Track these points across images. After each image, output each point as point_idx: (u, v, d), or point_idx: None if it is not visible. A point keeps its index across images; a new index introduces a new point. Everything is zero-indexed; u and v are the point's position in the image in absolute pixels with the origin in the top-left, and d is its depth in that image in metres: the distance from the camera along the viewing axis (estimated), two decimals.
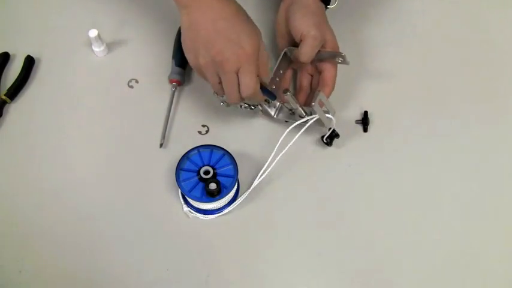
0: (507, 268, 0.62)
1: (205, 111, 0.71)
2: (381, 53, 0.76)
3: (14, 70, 0.73)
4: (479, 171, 0.68)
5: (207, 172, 0.61)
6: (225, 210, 0.64)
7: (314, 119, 0.63)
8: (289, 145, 0.62)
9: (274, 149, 0.63)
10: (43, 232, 0.63)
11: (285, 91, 0.61)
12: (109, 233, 0.63)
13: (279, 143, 0.63)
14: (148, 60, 0.75)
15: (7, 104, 0.71)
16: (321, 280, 0.61)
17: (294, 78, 0.72)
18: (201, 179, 0.61)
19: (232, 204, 0.64)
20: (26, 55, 0.73)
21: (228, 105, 0.70)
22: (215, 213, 0.64)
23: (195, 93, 0.73)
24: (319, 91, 0.62)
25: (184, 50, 0.59)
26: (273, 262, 0.62)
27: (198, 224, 0.64)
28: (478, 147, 0.69)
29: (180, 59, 0.72)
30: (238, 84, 0.58)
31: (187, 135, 0.69)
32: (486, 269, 0.62)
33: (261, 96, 0.62)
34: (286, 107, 0.66)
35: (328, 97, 0.65)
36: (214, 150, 0.63)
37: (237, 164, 0.61)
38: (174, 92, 0.72)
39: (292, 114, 0.66)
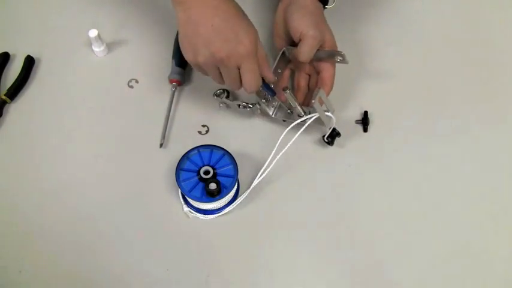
0: (507, 268, 0.62)
1: (205, 111, 0.71)
2: (381, 53, 0.76)
3: (14, 70, 0.73)
4: (480, 171, 0.68)
5: (207, 172, 0.61)
6: (225, 210, 0.64)
7: (313, 118, 0.63)
8: (288, 144, 0.62)
9: (274, 148, 0.63)
10: (43, 232, 0.63)
11: (285, 89, 0.61)
12: (109, 233, 0.63)
13: (278, 142, 0.63)
14: (148, 60, 0.75)
15: (7, 104, 0.71)
16: (321, 280, 0.61)
17: (292, 78, 0.72)
18: (201, 179, 0.61)
19: (232, 204, 0.64)
20: (26, 55, 0.73)
21: (227, 106, 0.70)
22: (215, 213, 0.64)
23: (195, 93, 0.73)
24: (319, 88, 0.62)
25: (181, 47, 0.59)
26: (273, 262, 0.62)
27: (198, 224, 0.64)
28: (478, 147, 0.69)
29: (180, 59, 0.72)
30: (240, 77, 0.59)
31: (187, 135, 0.69)
32: (486, 268, 0.62)
33: (261, 94, 0.62)
34: (285, 107, 0.66)
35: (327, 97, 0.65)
36: (214, 150, 0.63)
37: (237, 164, 0.61)
38: (174, 92, 0.72)
39: (291, 114, 0.66)
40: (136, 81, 0.73)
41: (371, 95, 0.72)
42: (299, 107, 0.63)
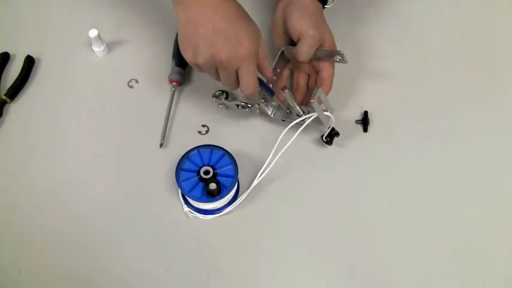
0: (507, 268, 0.62)
1: (205, 111, 0.71)
2: (381, 52, 0.76)
3: (14, 70, 0.73)
4: (480, 171, 0.68)
5: (207, 172, 0.61)
6: (225, 210, 0.64)
7: (312, 118, 0.63)
8: (287, 144, 0.62)
9: (273, 148, 0.63)
10: (43, 232, 0.63)
11: (284, 88, 0.61)
12: (109, 233, 0.63)
13: (278, 142, 0.63)
14: (148, 60, 0.75)
15: (7, 104, 0.71)
16: (321, 280, 0.61)
17: (291, 77, 0.72)
18: (201, 179, 0.61)
19: (232, 204, 0.64)
20: (26, 55, 0.73)
21: (227, 107, 0.70)
22: (215, 213, 0.64)
23: (195, 93, 0.73)
24: (318, 88, 0.62)
25: (180, 47, 0.58)
26: (273, 262, 0.62)
27: (198, 224, 0.64)
28: (478, 147, 0.69)
29: (180, 59, 0.72)
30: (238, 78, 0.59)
31: (187, 135, 0.69)
32: (486, 268, 0.62)
33: (259, 94, 0.62)
34: (284, 106, 0.66)
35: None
36: (214, 150, 0.63)
37: (237, 164, 0.61)
38: (174, 92, 0.72)
39: (289, 114, 0.66)
40: (136, 81, 0.73)
41: (371, 95, 0.72)
42: (298, 107, 0.63)
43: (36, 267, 0.61)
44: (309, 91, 0.69)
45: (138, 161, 0.67)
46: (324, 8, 0.68)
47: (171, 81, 0.72)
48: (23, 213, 0.64)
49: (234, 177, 0.61)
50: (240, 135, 0.69)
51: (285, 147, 0.62)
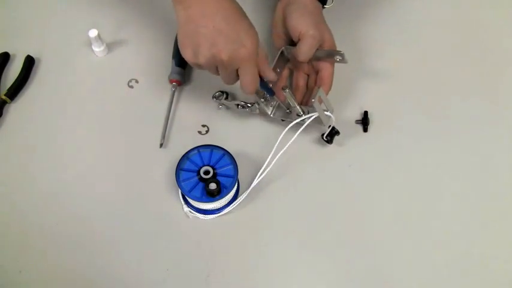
0: (509, 271, 0.62)
1: (205, 111, 0.71)
2: (381, 52, 0.76)
3: (14, 70, 0.73)
4: (480, 170, 0.67)
5: (207, 172, 0.61)
6: (225, 210, 0.64)
7: (312, 118, 0.63)
8: (288, 144, 0.62)
9: (273, 148, 0.63)
10: (43, 232, 0.63)
11: (284, 88, 0.61)
12: (109, 233, 0.63)
13: (278, 142, 0.63)
14: (148, 60, 0.75)
15: (7, 104, 0.71)
16: (321, 280, 0.61)
17: (290, 77, 0.72)
18: (201, 179, 0.61)
19: (232, 204, 0.64)
20: (26, 55, 0.73)
21: (227, 108, 0.70)
22: (215, 213, 0.64)
23: (195, 93, 0.73)
24: (318, 87, 0.62)
25: (180, 46, 0.58)
26: (273, 262, 0.62)
27: (198, 224, 0.64)
28: (479, 147, 0.69)
29: (180, 59, 0.72)
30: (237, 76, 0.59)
31: (187, 135, 0.69)
32: (487, 268, 0.62)
33: (260, 92, 0.62)
34: (284, 106, 0.66)
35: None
36: (214, 150, 0.63)
37: (237, 164, 0.61)
38: (174, 92, 0.72)
39: (289, 113, 0.66)
40: (137, 81, 0.73)
41: (371, 95, 0.72)
42: (298, 107, 0.63)
43: (36, 267, 0.61)
44: (309, 91, 0.69)
45: (138, 161, 0.67)
46: (323, 7, 0.68)
47: (171, 81, 0.72)
48: (23, 213, 0.64)
49: (234, 177, 0.61)
50: (240, 135, 0.69)
51: (285, 147, 0.62)
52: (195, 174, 0.61)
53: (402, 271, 0.61)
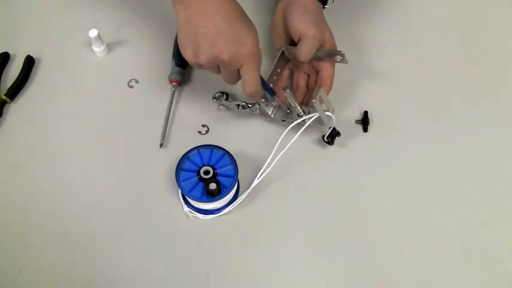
0: (508, 270, 0.62)
1: (205, 111, 0.71)
2: (381, 52, 0.76)
3: (14, 70, 0.73)
4: (480, 170, 0.67)
5: (207, 172, 0.61)
6: (225, 210, 0.63)
7: (313, 118, 0.63)
8: (288, 144, 0.62)
9: (273, 148, 0.63)
10: (43, 232, 0.63)
11: (285, 88, 0.61)
12: (109, 233, 0.63)
13: (279, 142, 0.63)
14: (148, 60, 0.75)
15: (7, 104, 0.71)
16: (321, 280, 0.61)
17: (290, 77, 0.72)
18: (201, 179, 0.61)
19: (232, 204, 0.64)
20: (26, 55, 0.73)
21: (227, 108, 0.70)
22: (215, 213, 0.64)
23: (195, 93, 0.73)
24: (319, 88, 0.62)
25: (180, 46, 0.58)
26: (273, 262, 0.62)
27: (198, 224, 0.64)
28: (479, 147, 0.69)
29: (180, 59, 0.72)
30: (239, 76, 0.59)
31: (187, 135, 0.69)
32: (487, 268, 0.62)
33: (261, 92, 0.62)
34: (284, 106, 0.66)
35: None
36: (214, 150, 0.63)
37: (237, 164, 0.61)
38: (174, 92, 0.72)
39: (290, 114, 0.66)
40: (136, 81, 0.73)
41: (371, 95, 0.72)
42: (299, 107, 0.63)
43: (36, 267, 0.61)
44: (309, 91, 0.69)
45: (138, 161, 0.67)
46: (324, 8, 0.68)
47: (171, 81, 0.72)
48: (23, 213, 0.64)
49: (234, 177, 0.61)
50: (240, 135, 0.69)
51: (286, 147, 0.62)
52: (195, 174, 0.61)
53: (402, 271, 0.61)
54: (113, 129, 0.70)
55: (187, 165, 0.62)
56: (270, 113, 0.68)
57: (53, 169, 0.66)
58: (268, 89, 0.63)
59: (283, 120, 0.67)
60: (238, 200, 0.64)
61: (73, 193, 0.65)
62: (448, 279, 0.61)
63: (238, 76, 0.59)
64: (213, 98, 0.70)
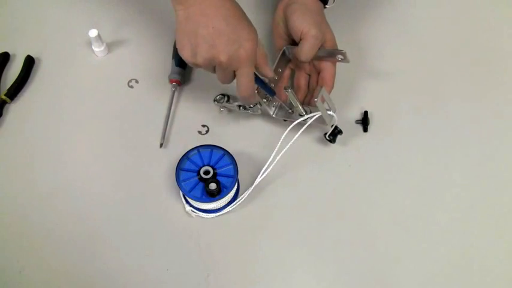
0: (508, 269, 0.62)
1: (205, 111, 0.71)
2: (381, 52, 0.76)
3: (14, 70, 0.73)
4: (480, 170, 0.67)
5: (207, 172, 0.61)
6: (225, 210, 0.63)
7: (315, 117, 0.63)
8: (289, 143, 0.62)
9: (273, 148, 0.63)
10: (43, 232, 0.63)
11: (286, 88, 0.61)
12: (109, 233, 0.63)
13: (280, 141, 0.62)
14: (148, 60, 0.75)
15: (7, 104, 0.71)
16: (322, 280, 0.61)
17: (291, 77, 0.72)
18: (201, 179, 0.61)
19: (233, 204, 0.64)
20: (26, 55, 0.73)
21: (229, 111, 0.70)
22: (216, 213, 0.64)
23: (195, 93, 0.73)
24: (321, 87, 0.62)
25: (178, 45, 0.58)
26: (273, 262, 0.62)
27: (198, 223, 0.64)
28: (479, 147, 0.69)
29: (180, 59, 0.71)
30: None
31: (187, 135, 0.69)
32: (487, 267, 0.62)
33: (256, 98, 0.62)
34: (286, 106, 0.66)
35: None
36: (214, 150, 0.63)
37: (237, 164, 0.61)
38: (174, 92, 0.72)
39: (291, 113, 0.66)
40: (137, 81, 0.73)
41: (371, 95, 0.72)
42: (300, 106, 0.63)
43: (36, 267, 0.61)
44: (310, 91, 0.69)
45: (138, 161, 0.67)
46: (324, 7, 0.68)
47: (171, 81, 0.72)
48: (23, 213, 0.64)
49: (234, 177, 0.61)
50: (240, 135, 0.69)
51: (287, 146, 0.62)
52: (195, 174, 0.61)
53: (402, 271, 0.61)
54: (112, 129, 0.70)
55: (187, 165, 0.62)
56: (271, 113, 0.68)
57: (52, 169, 0.66)
58: (268, 89, 0.63)
59: (284, 120, 0.67)
60: (239, 199, 0.64)
61: (73, 193, 0.65)
62: (448, 279, 0.61)
63: (233, 76, 0.59)
64: (214, 101, 0.70)
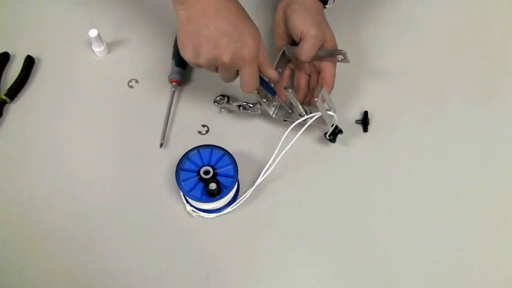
0: (508, 269, 0.62)
1: (205, 111, 0.71)
2: (381, 52, 0.76)
3: (14, 70, 0.73)
4: (481, 170, 0.67)
5: (207, 172, 0.61)
6: (226, 210, 0.63)
7: (315, 118, 0.63)
8: (290, 144, 0.62)
9: (273, 148, 0.63)
10: (43, 232, 0.63)
11: (287, 87, 0.61)
12: (109, 233, 0.63)
13: (281, 141, 0.62)
14: (148, 60, 0.75)
15: (7, 104, 0.71)
16: (322, 280, 0.61)
17: (291, 77, 0.72)
18: (201, 179, 0.61)
19: (233, 204, 0.64)
20: (26, 55, 0.73)
21: (229, 111, 0.70)
22: (216, 213, 0.64)
23: (195, 93, 0.73)
24: (321, 87, 0.62)
25: (180, 46, 0.57)
26: (273, 262, 0.62)
27: (198, 223, 0.64)
28: (479, 147, 0.69)
29: (180, 59, 0.72)
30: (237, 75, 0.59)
31: (187, 135, 0.69)
32: (487, 267, 0.62)
33: (262, 94, 0.62)
34: (286, 106, 0.66)
35: None
36: (214, 150, 0.63)
37: (237, 164, 0.61)
38: (174, 92, 0.72)
39: (291, 113, 0.66)
40: (137, 81, 0.73)
41: (371, 95, 0.72)
42: (300, 106, 0.63)
43: (36, 267, 0.61)
44: (310, 91, 0.69)
45: (138, 161, 0.67)
46: (324, 7, 0.68)
47: (171, 81, 0.72)
48: (23, 213, 0.64)
49: (234, 177, 0.61)
50: (240, 135, 0.69)
51: (288, 146, 0.62)
52: (195, 174, 0.61)
53: (402, 271, 0.61)
54: (112, 129, 0.70)
55: (187, 165, 0.62)
56: (271, 113, 0.68)
57: (52, 169, 0.66)
58: (269, 88, 0.63)
59: (284, 120, 0.67)
60: (239, 200, 0.64)
61: (73, 193, 0.65)
62: (448, 279, 0.61)
63: (236, 75, 0.59)
64: (214, 102, 0.70)
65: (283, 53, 0.68)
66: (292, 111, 0.66)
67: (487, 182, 0.67)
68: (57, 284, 0.60)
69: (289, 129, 0.63)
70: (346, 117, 0.70)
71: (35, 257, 0.61)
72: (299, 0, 0.65)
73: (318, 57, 0.66)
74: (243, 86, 0.59)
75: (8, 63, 0.74)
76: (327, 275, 0.61)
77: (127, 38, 0.77)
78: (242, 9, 0.57)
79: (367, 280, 0.61)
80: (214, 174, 0.61)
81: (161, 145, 0.68)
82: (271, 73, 0.61)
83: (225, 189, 0.60)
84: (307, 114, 0.64)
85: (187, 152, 0.62)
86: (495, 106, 0.72)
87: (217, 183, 0.59)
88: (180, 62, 0.72)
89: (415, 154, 0.68)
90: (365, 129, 0.70)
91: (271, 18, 0.70)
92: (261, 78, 0.61)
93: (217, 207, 0.63)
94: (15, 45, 0.75)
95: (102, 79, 0.74)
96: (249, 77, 0.58)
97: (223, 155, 0.62)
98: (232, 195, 0.63)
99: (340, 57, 0.64)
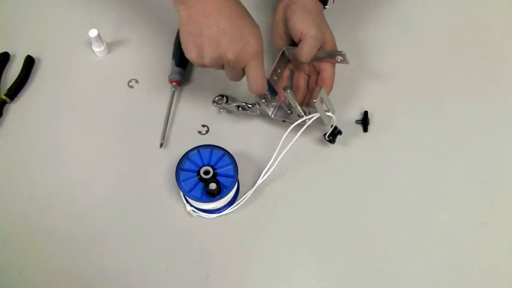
0: (508, 268, 0.62)
1: (205, 111, 0.71)
2: (381, 53, 0.76)
3: (14, 70, 0.73)
4: (481, 170, 0.67)
5: (207, 172, 0.61)
6: (226, 211, 0.63)
7: (314, 119, 0.63)
8: (290, 144, 0.62)
9: (273, 148, 0.63)
10: (43, 232, 0.63)
11: (285, 88, 0.61)
12: (109, 233, 0.63)
13: (281, 142, 0.62)
14: (148, 60, 0.75)
15: (7, 104, 0.71)
16: (322, 280, 0.61)
17: (291, 78, 0.72)
18: (201, 179, 0.61)
19: (234, 204, 0.64)
20: (26, 55, 0.73)
21: (228, 111, 0.70)
22: (216, 213, 0.64)
23: (195, 93, 0.73)
24: (320, 88, 0.62)
25: (183, 47, 0.57)
26: (273, 262, 0.62)
27: (198, 223, 0.64)
28: (479, 147, 0.69)
29: (180, 59, 0.72)
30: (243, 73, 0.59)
31: (187, 135, 0.69)
32: (487, 268, 0.62)
33: (266, 90, 0.62)
34: (285, 107, 0.66)
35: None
36: (214, 150, 0.63)
37: (237, 164, 0.61)
38: (174, 92, 0.72)
39: (290, 114, 0.66)
40: (137, 81, 0.73)
41: (371, 95, 0.72)
42: (299, 107, 0.63)
43: (36, 267, 0.61)
44: (309, 92, 0.69)
45: (138, 161, 0.67)
46: (324, 8, 0.68)
47: (171, 81, 0.72)
48: (23, 213, 0.64)
49: (234, 177, 0.61)
50: (240, 135, 0.69)
51: (288, 147, 0.62)
52: (195, 174, 0.61)
53: (402, 271, 0.61)
54: (112, 129, 0.70)
55: (187, 165, 0.62)
56: (270, 114, 0.68)
57: (52, 169, 0.66)
58: (270, 88, 0.63)
59: (283, 121, 0.67)
60: (239, 200, 0.64)
61: (73, 193, 0.65)
62: (448, 279, 0.61)
63: (242, 73, 0.59)
64: (213, 102, 0.70)
65: (283, 53, 0.68)
66: (291, 111, 0.66)
67: (487, 181, 0.67)
68: (57, 284, 0.60)
69: (288, 130, 0.63)
70: (346, 117, 0.70)
71: (35, 257, 0.61)
72: (299, 0, 0.65)
73: (317, 58, 0.66)
74: (251, 85, 0.59)
75: (8, 63, 0.74)
76: (327, 275, 0.61)
77: (127, 38, 0.77)
78: (243, 7, 0.57)
79: (367, 280, 0.61)
80: (214, 174, 0.61)
81: (161, 145, 0.68)
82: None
83: (225, 189, 0.60)
84: (306, 115, 0.64)
85: (187, 152, 0.62)
86: (495, 106, 0.72)
87: (217, 183, 0.59)
88: (180, 62, 0.72)
89: (415, 154, 0.68)
90: (365, 129, 0.70)
91: (271, 18, 0.70)
92: None
93: (217, 207, 0.63)
94: (15, 45, 0.75)
95: (102, 79, 0.74)
96: (255, 74, 0.58)
97: (223, 155, 0.62)
98: (232, 195, 0.63)
99: (339, 58, 0.64)
